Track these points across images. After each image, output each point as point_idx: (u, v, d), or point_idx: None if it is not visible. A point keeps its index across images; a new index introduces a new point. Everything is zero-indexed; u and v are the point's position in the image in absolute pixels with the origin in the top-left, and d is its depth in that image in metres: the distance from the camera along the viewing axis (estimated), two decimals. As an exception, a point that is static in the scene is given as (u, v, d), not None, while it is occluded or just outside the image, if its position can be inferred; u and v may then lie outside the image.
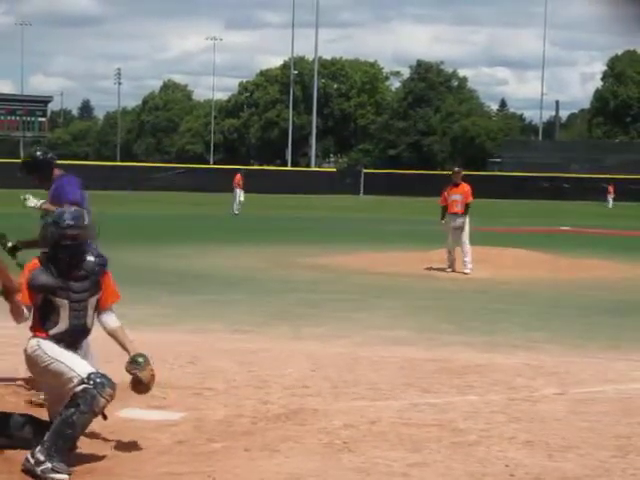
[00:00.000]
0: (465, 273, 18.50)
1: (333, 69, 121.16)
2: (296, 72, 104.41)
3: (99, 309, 6.27)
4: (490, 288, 16.73)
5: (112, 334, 6.29)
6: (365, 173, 77.99)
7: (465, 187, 19.12)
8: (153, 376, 6.24)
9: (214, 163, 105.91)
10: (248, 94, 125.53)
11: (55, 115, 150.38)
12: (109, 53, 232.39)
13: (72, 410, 5.83)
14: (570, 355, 10.21)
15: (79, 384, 5.87)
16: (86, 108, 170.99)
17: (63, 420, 5.83)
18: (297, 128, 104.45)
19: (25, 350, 6.16)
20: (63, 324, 6.10)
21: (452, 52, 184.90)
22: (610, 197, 64.44)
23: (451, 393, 8.14)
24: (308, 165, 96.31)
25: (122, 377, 6.28)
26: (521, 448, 6.49)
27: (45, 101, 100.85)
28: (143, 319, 11.83)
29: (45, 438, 5.83)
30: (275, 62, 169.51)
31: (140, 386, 6.24)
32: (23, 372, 7.13)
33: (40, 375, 6.21)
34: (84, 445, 6.20)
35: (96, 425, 6.46)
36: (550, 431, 6.94)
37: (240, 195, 42.85)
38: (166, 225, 33.65)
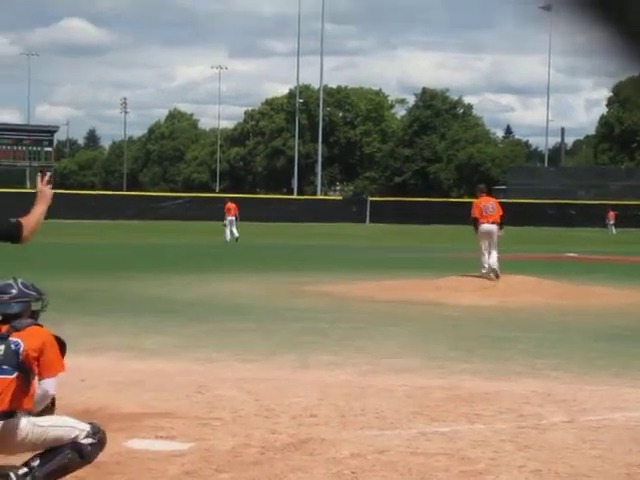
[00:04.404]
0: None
1: (338, 97, 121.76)
2: (302, 100, 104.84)
3: None
4: (497, 315, 16.69)
5: None
6: (371, 201, 78.04)
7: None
8: None
9: (220, 191, 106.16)
10: (254, 122, 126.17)
11: (61, 144, 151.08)
12: (115, 82, 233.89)
13: (70, 455, 5.60)
14: (579, 382, 10.15)
15: (86, 436, 5.68)
16: (92, 137, 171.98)
17: (59, 461, 5.59)
18: (303, 156, 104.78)
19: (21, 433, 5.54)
20: None
21: (457, 79, 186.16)
22: (610, 223, 63.42)
23: (459, 421, 8.10)
24: (314, 193, 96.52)
25: (126, 407, 6.26)
26: (530, 477, 6.45)
27: (51, 131, 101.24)
28: (149, 348, 11.84)
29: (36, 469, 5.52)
30: (281, 90, 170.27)
31: None
32: None
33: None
34: (90, 476, 6.16)
35: (102, 455, 6.43)
36: (559, 459, 6.89)
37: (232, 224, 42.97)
38: (172, 254, 33.65)
